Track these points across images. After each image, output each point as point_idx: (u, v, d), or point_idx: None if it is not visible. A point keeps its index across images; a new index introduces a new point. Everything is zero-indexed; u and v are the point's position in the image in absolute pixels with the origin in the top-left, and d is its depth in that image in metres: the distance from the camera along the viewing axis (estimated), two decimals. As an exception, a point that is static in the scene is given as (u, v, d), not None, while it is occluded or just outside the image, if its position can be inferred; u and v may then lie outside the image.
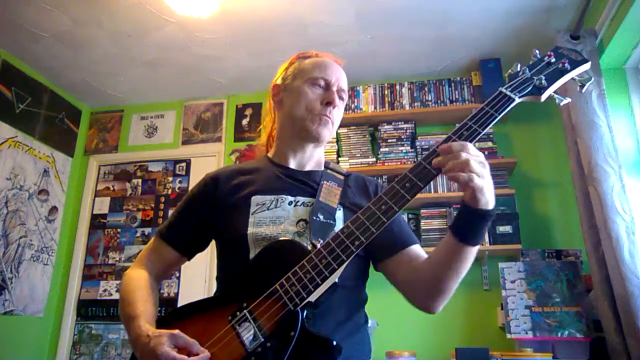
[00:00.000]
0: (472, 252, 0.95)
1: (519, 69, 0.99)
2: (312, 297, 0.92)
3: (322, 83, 1.19)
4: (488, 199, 0.89)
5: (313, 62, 1.23)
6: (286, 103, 1.24)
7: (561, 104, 0.97)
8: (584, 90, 0.98)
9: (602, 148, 2.25)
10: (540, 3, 2.58)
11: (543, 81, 0.95)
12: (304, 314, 0.92)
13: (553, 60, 0.98)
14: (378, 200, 0.93)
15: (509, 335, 2.30)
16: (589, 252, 2.29)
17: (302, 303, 0.91)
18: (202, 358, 0.89)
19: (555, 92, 0.97)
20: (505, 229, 2.71)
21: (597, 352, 2.21)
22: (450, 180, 0.88)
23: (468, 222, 0.93)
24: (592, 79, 0.98)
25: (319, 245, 0.96)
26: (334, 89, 1.19)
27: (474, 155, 0.86)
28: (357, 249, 0.91)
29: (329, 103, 1.17)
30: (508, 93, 0.94)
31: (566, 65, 0.97)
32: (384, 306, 2.73)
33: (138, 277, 1.12)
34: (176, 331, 0.91)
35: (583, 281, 2.34)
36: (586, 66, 0.98)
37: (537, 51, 1.02)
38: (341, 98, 1.22)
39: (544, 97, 0.95)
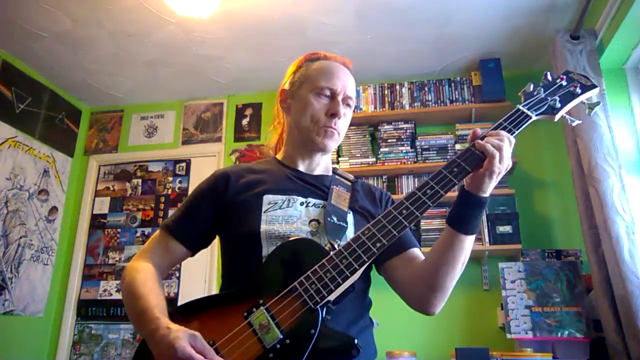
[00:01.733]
0: (468, 242, 0.98)
1: (532, 89, 1.05)
2: (332, 297, 0.93)
3: (327, 92, 1.18)
4: (491, 187, 0.95)
5: (319, 69, 1.22)
6: (293, 111, 1.24)
7: (573, 124, 1.04)
8: (592, 114, 1.05)
9: (602, 148, 2.25)
10: (540, 3, 2.59)
11: (557, 103, 1.01)
12: (324, 312, 0.92)
13: (564, 83, 1.05)
14: (399, 205, 0.96)
15: (509, 335, 2.30)
16: (589, 252, 2.29)
17: (322, 301, 0.91)
18: None
19: (566, 113, 1.04)
20: (505, 229, 2.71)
21: (597, 352, 2.21)
22: (479, 148, 0.95)
23: (465, 209, 0.97)
24: (601, 103, 1.05)
25: (337, 246, 0.97)
26: (340, 98, 1.18)
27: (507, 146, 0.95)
28: (378, 250, 0.93)
29: (333, 115, 1.17)
30: (526, 111, 1.00)
31: (577, 89, 1.03)
32: (384, 306, 2.73)
33: (145, 270, 1.10)
34: (197, 333, 0.90)
35: (583, 281, 2.34)
36: (595, 91, 1.04)
37: (548, 74, 1.08)
38: (348, 105, 1.22)
39: (557, 117, 1.02)
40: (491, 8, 2.64)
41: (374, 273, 1.20)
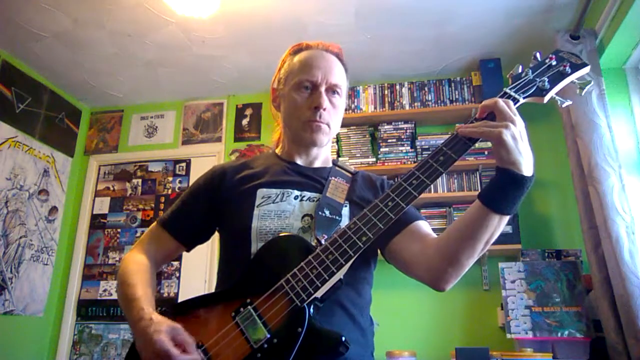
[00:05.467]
0: (492, 220, 0.89)
1: (520, 71, 1.00)
2: (319, 293, 0.91)
3: (308, 85, 1.15)
4: (516, 159, 0.85)
5: (300, 61, 1.19)
6: (282, 109, 1.23)
7: (563, 105, 0.99)
8: (583, 94, 1.00)
9: (602, 148, 2.25)
10: (540, 3, 2.58)
11: (546, 83, 0.97)
12: (311, 309, 0.91)
13: (554, 63, 1.00)
14: (385, 197, 0.93)
15: (509, 335, 2.30)
16: (589, 252, 2.29)
17: (309, 299, 0.90)
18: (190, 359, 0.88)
19: (556, 94, 0.98)
20: (505, 229, 2.68)
21: (597, 352, 2.21)
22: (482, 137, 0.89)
23: (495, 183, 0.89)
24: (592, 82, 1.00)
25: (323, 241, 0.95)
26: (322, 89, 1.14)
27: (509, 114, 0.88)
28: (364, 244, 0.91)
29: (316, 108, 1.13)
30: (513, 94, 0.95)
31: (567, 68, 0.98)
32: (384, 306, 2.73)
33: (138, 261, 1.12)
34: (178, 326, 0.91)
35: (583, 281, 2.34)
36: (586, 70, 0.99)
37: (538, 54, 1.03)
38: (335, 93, 1.17)
39: (546, 98, 0.97)
40: (491, 8, 2.64)
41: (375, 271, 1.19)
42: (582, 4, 2.48)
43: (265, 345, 0.89)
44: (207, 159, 3.46)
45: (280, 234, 1.03)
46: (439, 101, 3.09)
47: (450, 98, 3.08)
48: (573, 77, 0.99)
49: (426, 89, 3.12)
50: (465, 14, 2.70)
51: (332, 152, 3.06)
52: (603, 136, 2.27)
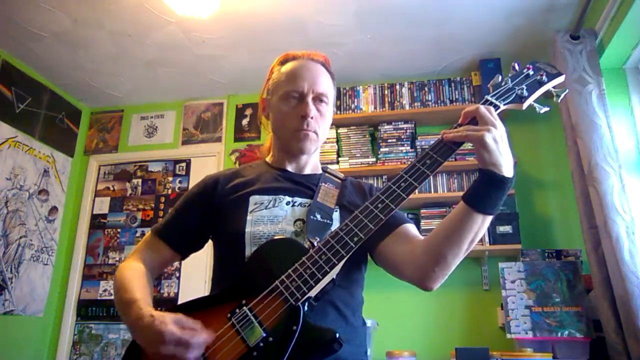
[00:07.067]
0: (476, 220, 0.93)
1: (500, 80, 1.07)
2: (313, 293, 0.93)
3: (295, 95, 1.18)
4: (497, 161, 0.90)
5: (286, 72, 1.22)
6: (271, 119, 1.26)
7: (541, 111, 1.04)
8: (559, 101, 1.06)
9: (602, 148, 2.25)
10: (540, 3, 2.59)
11: (524, 91, 1.03)
12: (305, 308, 0.93)
13: (531, 72, 1.07)
14: (375, 200, 0.97)
15: (509, 335, 2.30)
16: (589, 252, 2.29)
17: (303, 298, 0.92)
18: (203, 339, 0.89)
19: (535, 101, 1.04)
20: (505, 229, 2.71)
21: (597, 352, 2.21)
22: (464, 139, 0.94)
23: (478, 184, 0.93)
24: (567, 90, 1.07)
25: (316, 244, 0.97)
26: (308, 98, 1.17)
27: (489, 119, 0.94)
28: (356, 244, 0.94)
29: (303, 117, 1.16)
30: (493, 100, 1.01)
31: (543, 77, 1.04)
32: (384, 306, 2.74)
33: (134, 268, 1.13)
34: (180, 315, 0.92)
35: (583, 281, 2.34)
36: (561, 78, 1.06)
37: (516, 64, 1.10)
38: (322, 102, 1.20)
39: (525, 105, 1.03)
40: (491, 8, 2.64)
41: (370, 273, 1.20)
42: (582, 4, 2.48)
43: (261, 344, 0.91)
44: (207, 159, 3.46)
45: (274, 237, 1.05)
46: (439, 101, 3.09)
47: (450, 98, 3.08)
48: (549, 85, 1.05)
49: (426, 89, 3.12)
50: (465, 14, 2.70)
51: (332, 152, 3.06)
52: (603, 136, 2.27)
